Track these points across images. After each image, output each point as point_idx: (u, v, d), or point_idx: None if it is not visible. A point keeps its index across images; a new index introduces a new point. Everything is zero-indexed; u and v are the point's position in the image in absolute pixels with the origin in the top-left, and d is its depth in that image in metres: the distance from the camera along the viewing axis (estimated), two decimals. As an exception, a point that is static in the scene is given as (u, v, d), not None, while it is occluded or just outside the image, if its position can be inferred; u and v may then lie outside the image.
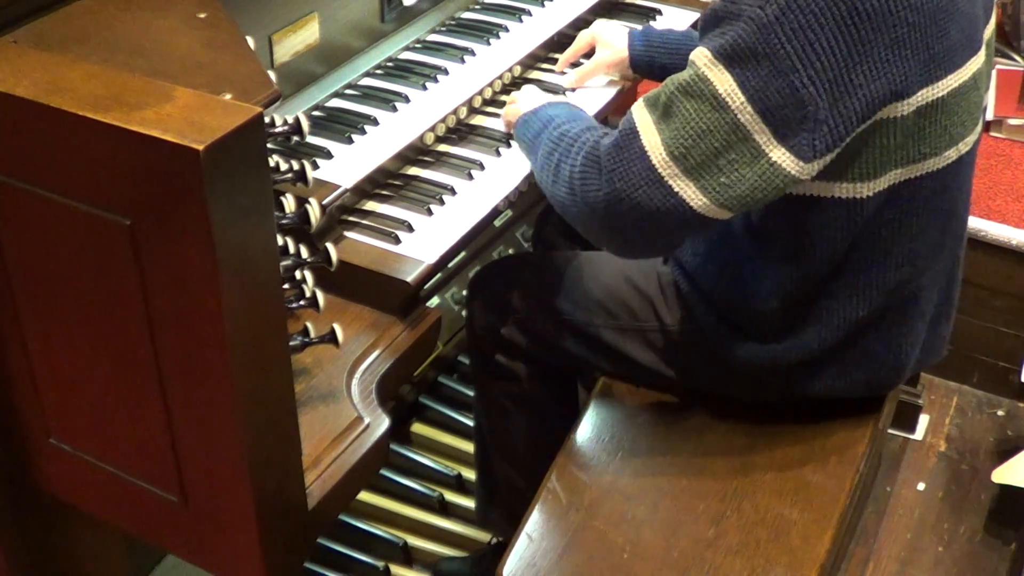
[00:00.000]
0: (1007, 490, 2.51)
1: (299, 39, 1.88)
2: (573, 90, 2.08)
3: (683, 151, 1.46)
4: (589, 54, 2.12)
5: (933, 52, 1.48)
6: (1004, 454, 2.61)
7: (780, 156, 1.44)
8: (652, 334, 1.83)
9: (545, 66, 2.20)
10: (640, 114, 1.52)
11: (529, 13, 2.25)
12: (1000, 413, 2.81)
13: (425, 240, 1.69)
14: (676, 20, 2.37)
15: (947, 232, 1.68)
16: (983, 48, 1.60)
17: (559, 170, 1.62)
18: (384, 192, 1.80)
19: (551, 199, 1.67)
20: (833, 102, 1.43)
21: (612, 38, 2.06)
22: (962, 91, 1.56)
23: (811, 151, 1.45)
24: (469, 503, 2.37)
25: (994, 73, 2.83)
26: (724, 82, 1.43)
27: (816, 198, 1.55)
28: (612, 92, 2.08)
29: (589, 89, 2.09)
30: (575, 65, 2.13)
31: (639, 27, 2.08)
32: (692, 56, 1.48)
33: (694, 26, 2.40)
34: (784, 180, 1.47)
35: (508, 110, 1.91)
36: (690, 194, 1.48)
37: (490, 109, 2.03)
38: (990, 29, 1.65)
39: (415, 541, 2.34)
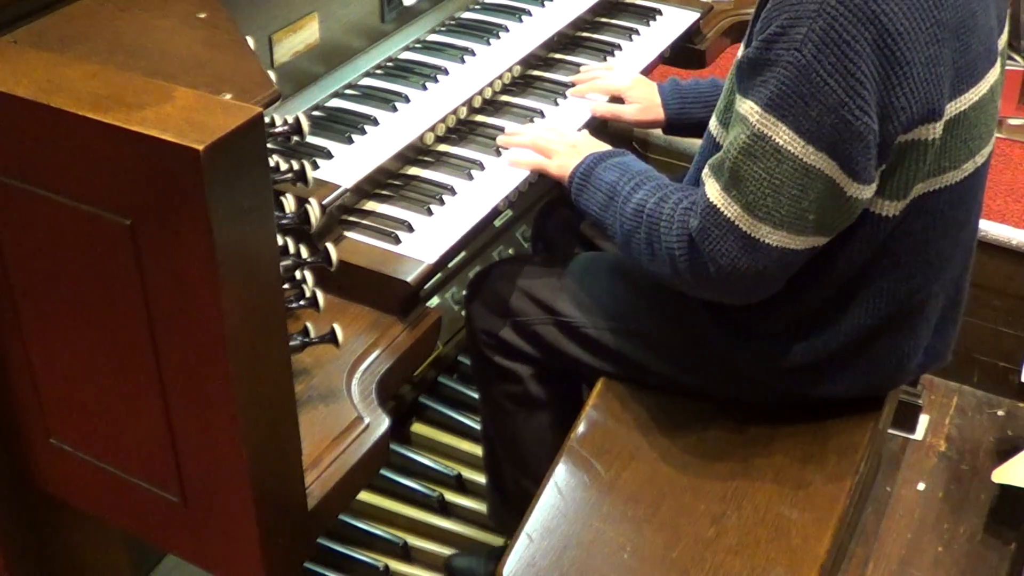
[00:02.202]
0: (1007, 490, 2.51)
1: (299, 39, 1.88)
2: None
3: (767, 210, 1.48)
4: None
5: (958, 67, 1.50)
6: (1004, 454, 2.61)
7: (855, 190, 1.48)
8: (653, 336, 1.83)
9: (538, 72, 2.20)
10: (712, 188, 1.53)
11: (529, 13, 2.25)
12: (1000, 413, 2.81)
13: (425, 240, 1.69)
14: (676, 20, 2.37)
15: (959, 243, 1.69)
16: (999, 60, 1.61)
17: (654, 251, 1.62)
18: (384, 192, 1.80)
19: (651, 274, 1.68)
20: (882, 124, 1.45)
21: (643, 97, 2.03)
22: (981, 104, 1.57)
23: (875, 171, 1.49)
24: (469, 503, 2.37)
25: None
26: (781, 133, 1.44)
27: None
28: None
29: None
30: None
31: (662, 83, 2.05)
32: (742, 111, 1.49)
33: (694, 30, 2.40)
34: (864, 205, 1.52)
35: (551, 168, 1.82)
36: (788, 240, 1.50)
37: (490, 109, 2.03)
38: (1003, 39, 1.65)
39: (415, 541, 2.34)
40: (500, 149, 1.90)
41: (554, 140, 1.85)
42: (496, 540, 2.30)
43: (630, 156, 1.79)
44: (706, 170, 1.56)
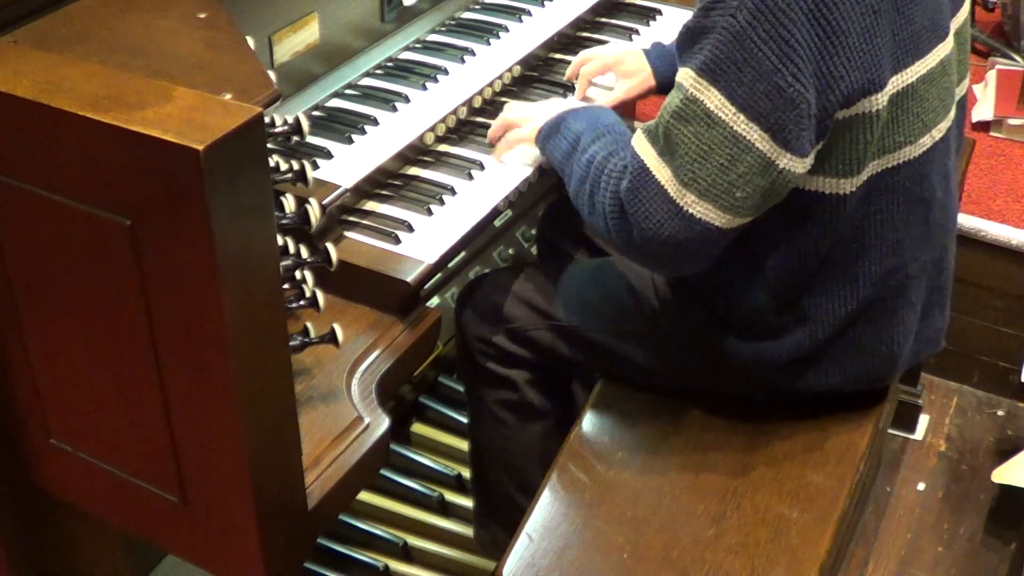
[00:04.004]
0: (1007, 490, 2.51)
1: (299, 39, 1.88)
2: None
3: (692, 176, 1.49)
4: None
5: (900, 39, 1.51)
6: (1004, 454, 2.61)
7: (787, 162, 1.48)
8: (646, 335, 1.83)
9: (538, 72, 2.20)
10: (644, 150, 1.54)
11: (529, 13, 2.25)
12: (1000, 413, 2.81)
13: (425, 240, 1.69)
14: (676, 20, 2.37)
15: (930, 221, 1.69)
16: (950, 36, 1.62)
17: (594, 204, 1.63)
18: (384, 192, 1.80)
19: (590, 226, 1.70)
20: (818, 95, 1.45)
21: (634, 67, 2.02)
22: (930, 77, 1.58)
23: (809, 145, 1.48)
24: (469, 503, 2.36)
25: (994, 73, 2.83)
26: (712, 98, 1.46)
27: (798, 193, 1.56)
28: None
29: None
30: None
31: (647, 47, 2.04)
32: (678, 78, 1.50)
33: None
34: (794, 180, 1.51)
35: (523, 132, 1.84)
36: (712, 216, 1.51)
37: (490, 109, 2.03)
38: (960, 19, 1.67)
39: (415, 541, 2.34)
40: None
41: (525, 107, 1.88)
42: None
43: (604, 109, 1.80)
44: (638, 132, 1.56)
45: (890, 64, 1.50)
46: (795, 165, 1.48)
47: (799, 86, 1.43)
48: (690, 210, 1.50)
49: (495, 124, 1.91)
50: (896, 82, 1.52)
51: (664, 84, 2.01)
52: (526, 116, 1.85)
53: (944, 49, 1.60)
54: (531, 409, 1.96)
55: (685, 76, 1.48)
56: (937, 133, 1.63)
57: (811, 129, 1.47)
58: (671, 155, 1.50)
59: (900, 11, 1.50)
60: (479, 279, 2.02)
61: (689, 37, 1.49)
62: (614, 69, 2.04)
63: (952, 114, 1.68)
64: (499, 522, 2.07)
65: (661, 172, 1.51)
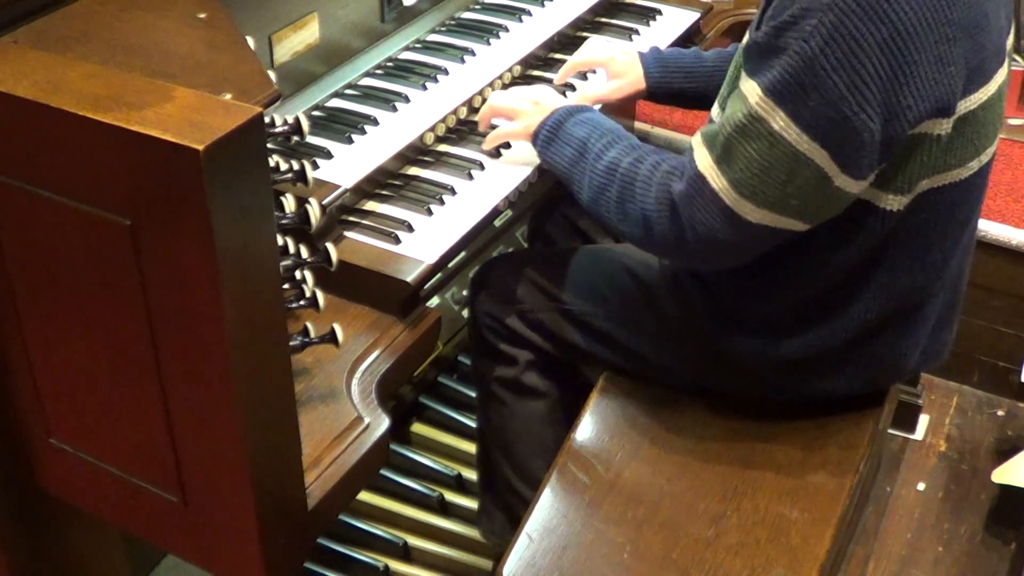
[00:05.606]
0: (1007, 490, 2.51)
1: (299, 39, 1.88)
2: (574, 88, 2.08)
3: (752, 189, 1.50)
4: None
5: (971, 67, 1.50)
6: (1004, 454, 2.61)
7: (843, 182, 1.48)
8: (652, 325, 1.83)
9: (538, 72, 2.20)
10: (702, 158, 1.54)
11: (529, 13, 2.25)
12: (1000, 413, 2.80)
13: (425, 240, 1.69)
14: (676, 20, 2.37)
15: (960, 242, 1.69)
16: (1006, 59, 1.62)
17: (626, 211, 1.63)
18: (384, 192, 1.80)
19: (619, 233, 1.70)
20: (885, 124, 1.44)
21: (625, 68, 2.00)
22: (989, 103, 1.57)
23: (868, 169, 1.49)
24: (469, 503, 2.37)
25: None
26: (778, 119, 1.45)
27: (851, 205, 1.55)
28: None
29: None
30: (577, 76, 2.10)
31: (644, 51, 2.03)
32: (743, 90, 1.49)
33: (694, 30, 2.40)
34: (849, 198, 1.52)
35: (516, 128, 1.83)
36: (769, 219, 1.52)
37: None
38: (1010, 40, 1.66)
39: (415, 541, 2.34)
40: (500, 150, 1.90)
41: (515, 99, 1.86)
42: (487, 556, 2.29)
43: (597, 112, 1.79)
44: (698, 137, 1.56)
45: (960, 91, 1.49)
46: (850, 185, 1.49)
47: (864, 116, 1.42)
48: (747, 217, 1.52)
49: (482, 112, 1.90)
50: (961, 108, 1.51)
51: (655, 90, 2.01)
52: (515, 107, 1.84)
53: (1002, 74, 1.59)
54: (528, 389, 1.96)
55: (751, 92, 1.48)
56: (985, 157, 1.62)
57: (873, 155, 1.47)
58: (728, 165, 1.50)
59: (973, 38, 1.48)
60: (495, 260, 2.02)
61: (759, 52, 1.48)
62: (605, 68, 2.03)
63: (997, 138, 1.67)
64: (499, 506, 2.08)
65: (717, 180, 1.52)
